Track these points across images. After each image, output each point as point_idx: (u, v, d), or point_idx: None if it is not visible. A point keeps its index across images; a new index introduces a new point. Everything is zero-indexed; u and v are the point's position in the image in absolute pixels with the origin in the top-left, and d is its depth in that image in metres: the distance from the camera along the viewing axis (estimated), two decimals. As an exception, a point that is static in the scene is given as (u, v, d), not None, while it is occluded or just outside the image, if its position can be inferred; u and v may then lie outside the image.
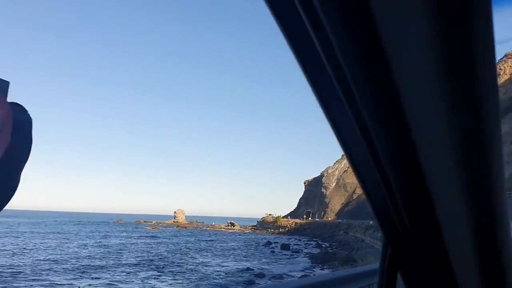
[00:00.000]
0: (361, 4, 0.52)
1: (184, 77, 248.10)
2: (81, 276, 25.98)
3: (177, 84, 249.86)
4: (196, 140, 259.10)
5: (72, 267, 29.83)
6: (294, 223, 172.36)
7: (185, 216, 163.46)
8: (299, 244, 70.76)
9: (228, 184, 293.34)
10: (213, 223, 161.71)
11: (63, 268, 28.61)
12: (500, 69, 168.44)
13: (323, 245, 68.32)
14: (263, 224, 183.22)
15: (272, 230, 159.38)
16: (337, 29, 0.57)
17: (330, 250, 55.92)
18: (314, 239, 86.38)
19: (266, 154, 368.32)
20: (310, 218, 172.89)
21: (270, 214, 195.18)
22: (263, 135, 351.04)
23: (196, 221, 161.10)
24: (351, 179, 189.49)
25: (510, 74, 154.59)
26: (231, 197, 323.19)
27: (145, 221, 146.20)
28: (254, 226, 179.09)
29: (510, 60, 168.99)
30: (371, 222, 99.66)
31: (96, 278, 25.74)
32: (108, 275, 27.07)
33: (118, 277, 26.57)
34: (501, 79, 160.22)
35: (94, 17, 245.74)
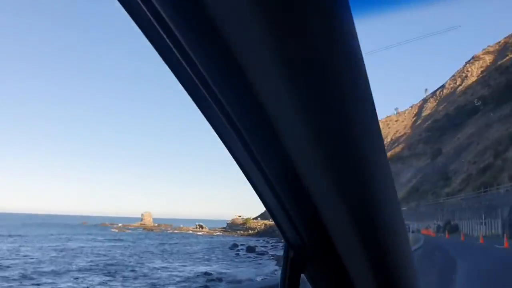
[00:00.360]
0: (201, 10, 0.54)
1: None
2: (20, 284, 24.09)
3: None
4: (166, 139, 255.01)
5: (17, 274, 27.84)
6: (263, 225, 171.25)
7: (153, 218, 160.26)
8: (266, 246, 71.13)
9: (197, 185, 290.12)
10: (181, 226, 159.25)
11: (4, 276, 26.51)
12: (468, 71, 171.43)
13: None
14: (232, 226, 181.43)
15: (241, 232, 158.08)
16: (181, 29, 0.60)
17: (297, 252, 54.91)
18: (282, 241, 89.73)
19: None
20: (271, 220, 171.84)
21: (240, 216, 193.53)
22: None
23: (164, 224, 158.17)
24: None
25: (477, 76, 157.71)
26: (200, 199, 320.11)
27: (111, 223, 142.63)
28: (223, 228, 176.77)
29: (477, 62, 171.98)
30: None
31: (37, 285, 23.93)
32: (52, 282, 25.30)
33: (63, 284, 24.81)
34: (468, 81, 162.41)
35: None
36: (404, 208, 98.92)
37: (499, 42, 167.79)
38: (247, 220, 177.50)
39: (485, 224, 42.33)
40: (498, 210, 39.39)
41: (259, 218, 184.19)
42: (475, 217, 46.40)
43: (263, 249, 64.06)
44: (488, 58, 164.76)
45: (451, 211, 58.31)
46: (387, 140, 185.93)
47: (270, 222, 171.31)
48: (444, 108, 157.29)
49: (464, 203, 54.54)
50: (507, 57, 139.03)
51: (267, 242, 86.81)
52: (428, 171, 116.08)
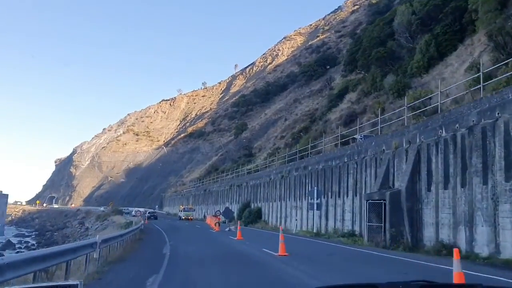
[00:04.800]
0: None
1: None
2: None
3: None
4: None
5: None
6: (21, 211, 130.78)
7: None
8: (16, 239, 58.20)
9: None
10: None
11: None
12: (279, 50, 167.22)
13: (42, 241, 57.40)
14: None
15: None
16: None
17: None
18: (36, 232, 78.14)
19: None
20: (45, 205, 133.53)
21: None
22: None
23: None
24: (109, 157, 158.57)
25: (287, 56, 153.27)
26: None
27: None
28: None
29: (288, 42, 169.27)
30: (103, 208, 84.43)
31: None
32: None
33: None
34: (278, 60, 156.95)
35: None
36: (192, 188, 79.90)
37: (311, 24, 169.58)
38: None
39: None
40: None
41: (24, 203, 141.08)
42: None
43: None
44: (299, 39, 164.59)
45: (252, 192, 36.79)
46: (191, 116, 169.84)
47: (33, 207, 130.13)
48: (252, 84, 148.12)
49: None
50: (318, 38, 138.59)
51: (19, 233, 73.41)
52: (231, 148, 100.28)
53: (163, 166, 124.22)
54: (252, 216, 35.93)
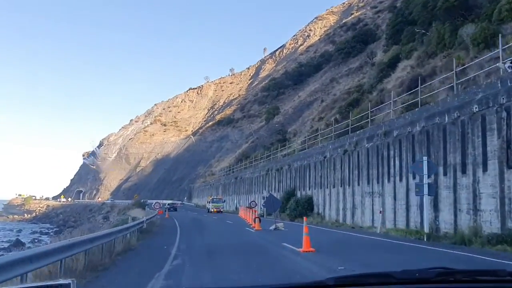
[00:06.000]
0: None
1: None
2: None
3: None
4: None
5: None
6: (46, 206, 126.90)
7: None
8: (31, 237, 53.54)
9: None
10: None
11: None
12: (310, 30, 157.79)
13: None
14: (8, 209, 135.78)
15: (16, 216, 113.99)
16: None
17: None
18: (57, 228, 71.50)
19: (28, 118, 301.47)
20: (69, 199, 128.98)
21: (20, 195, 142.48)
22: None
23: None
24: (137, 149, 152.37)
25: (319, 36, 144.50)
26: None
27: None
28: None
29: (320, 21, 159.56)
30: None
31: None
32: None
33: None
34: (310, 40, 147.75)
35: None
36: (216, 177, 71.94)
37: (344, 3, 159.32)
38: (26, 200, 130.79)
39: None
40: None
41: (49, 198, 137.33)
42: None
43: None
44: (332, 18, 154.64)
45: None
46: (219, 104, 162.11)
47: (57, 202, 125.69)
48: (283, 67, 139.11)
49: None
50: (352, 15, 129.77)
51: (39, 229, 69.85)
52: (263, 134, 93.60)
53: (191, 156, 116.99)
54: (300, 208, 26.92)
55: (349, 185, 22.04)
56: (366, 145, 20.39)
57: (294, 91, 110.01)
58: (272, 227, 19.71)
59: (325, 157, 25.41)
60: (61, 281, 1.73)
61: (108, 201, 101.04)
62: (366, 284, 1.87)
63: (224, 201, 51.52)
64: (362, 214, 20.35)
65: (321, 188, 25.92)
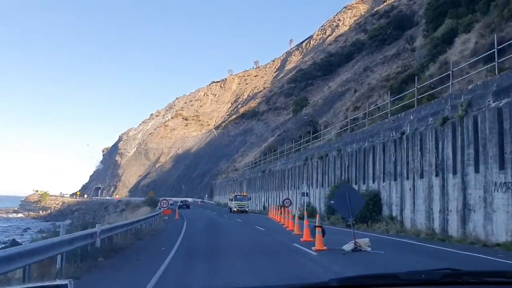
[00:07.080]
0: None
1: None
2: None
3: None
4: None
5: None
6: (61, 203, 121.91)
7: None
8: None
9: None
10: None
11: None
12: (339, 20, 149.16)
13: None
14: (25, 205, 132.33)
15: (32, 212, 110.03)
16: None
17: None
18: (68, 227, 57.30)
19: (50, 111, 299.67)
20: (85, 196, 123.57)
21: (37, 190, 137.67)
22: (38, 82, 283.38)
23: None
24: (156, 144, 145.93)
25: (349, 25, 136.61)
26: None
27: None
28: (17, 208, 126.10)
29: (349, 11, 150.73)
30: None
31: None
32: None
33: None
34: (339, 30, 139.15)
35: None
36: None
37: None
38: (43, 196, 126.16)
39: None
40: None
41: (66, 195, 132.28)
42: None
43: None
44: (362, 7, 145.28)
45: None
46: (243, 97, 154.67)
47: (73, 199, 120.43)
48: (311, 58, 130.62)
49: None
50: (385, 3, 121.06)
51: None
52: (290, 126, 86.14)
53: (213, 150, 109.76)
54: (362, 209, 18.80)
55: (454, 173, 13.82)
56: (493, 104, 12.13)
57: (324, 81, 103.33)
58: (348, 247, 11.04)
59: (403, 133, 17.14)
60: (58, 282, 1.73)
61: (124, 199, 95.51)
62: (371, 285, 1.78)
63: (250, 199, 43.68)
64: (487, 220, 12.09)
65: (395, 179, 17.72)
